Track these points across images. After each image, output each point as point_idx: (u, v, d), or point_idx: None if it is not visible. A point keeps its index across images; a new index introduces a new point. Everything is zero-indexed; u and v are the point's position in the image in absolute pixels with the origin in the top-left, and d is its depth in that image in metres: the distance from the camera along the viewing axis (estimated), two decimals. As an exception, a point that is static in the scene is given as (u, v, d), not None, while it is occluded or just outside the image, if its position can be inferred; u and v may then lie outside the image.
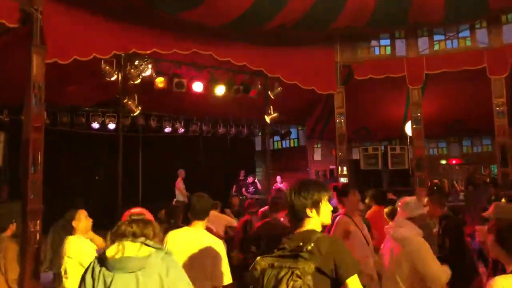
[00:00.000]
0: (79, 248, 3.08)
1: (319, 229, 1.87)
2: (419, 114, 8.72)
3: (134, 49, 6.73)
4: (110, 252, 1.83)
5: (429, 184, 8.97)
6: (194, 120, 11.27)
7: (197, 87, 8.13)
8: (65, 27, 5.88)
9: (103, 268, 1.80)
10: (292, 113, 11.34)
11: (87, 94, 8.96)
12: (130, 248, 1.82)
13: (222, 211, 6.52)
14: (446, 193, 8.08)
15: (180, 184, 10.24)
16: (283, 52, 8.31)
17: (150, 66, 7.40)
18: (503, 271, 2.15)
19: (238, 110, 10.63)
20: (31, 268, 4.80)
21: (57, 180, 8.94)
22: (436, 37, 9.07)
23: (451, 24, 8.66)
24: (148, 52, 6.93)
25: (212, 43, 7.44)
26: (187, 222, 2.78)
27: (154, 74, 7.54)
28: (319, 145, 13.30)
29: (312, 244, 1.73)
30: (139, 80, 7.28)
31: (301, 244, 1.75)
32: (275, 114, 8.67)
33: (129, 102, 7.52)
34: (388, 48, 9.17)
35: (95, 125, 9.70)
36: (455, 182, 11.28)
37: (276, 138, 14.19)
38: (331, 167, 11.80)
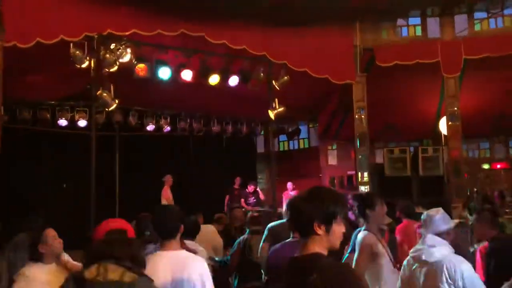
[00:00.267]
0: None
1: (325, 251, 1.87)
2: (456, 109, 8.73)
3: (109, 30, 6.77)
4: (90, 273, 1.86)
5: (469, 194, 8.98)
6: (183, 116, 11.28)
7: (186, 76, 8.17)
8: (26, 4, 5.89)
9: None
10: (302, 107, 11.29)
11: (52, 85, 8.97)
12: (113, 272, 1.86)
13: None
14: (498, 207, 7.92)
15: (167, 192, 10.28)
16: (290, 33, 8.32)
17: (129, 50, 7.41)
18: None
19: (235, 104, 10.63)
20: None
21: (14, 188, 8.96)
22: (477, 15, 9.06)
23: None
24: (126, 33, 6.97)
25: (204, 23, 7.45)
26: (161, 244, 2.82)
27: (134, 60, 7.56)
28: (334, 146, 13.29)
29: (315, 276, 1.71)
30: (115, 68, 7.31)
31: (302, 275, 1.75)
32: (281, 109, 8.67)
33: (104, 95, 7.51)
34: (419, 28, 9.18)
35: (63, 122, 9.71)
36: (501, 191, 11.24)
37: (282, 137, 14.16)
38: (349, 173, 11.69)
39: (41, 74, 8.36)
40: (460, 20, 8.99)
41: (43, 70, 8.13)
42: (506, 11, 9.04)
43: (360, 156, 8.87)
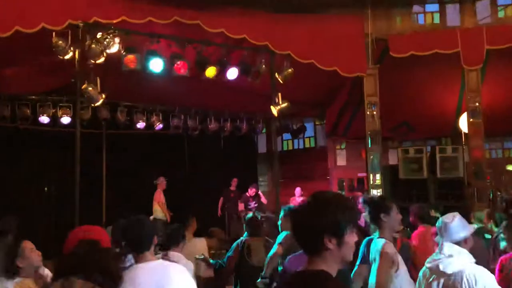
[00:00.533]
0: None
1: (334, 269, 1.83)
2: (477, 104, 8.71)
3: (95, 18, 6.75)
4: None
5: (492, 198, 8.95)
6: (176, 112, 11.31)
7: (180, 68, 8.13)
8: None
9: None
10: (308, 102, 11.29)
11: (33, 78, 8.98)
12: None
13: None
14: None
15: (159, 196, 10.31)
16: (295, 21, 8.31)
17: (117, 40, 7.39)
18: None
19: (234, 100, 10.62)
20: None
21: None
22: (500, 1, 9.02)
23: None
24: (114, 21, 6.96)
25: (200, 9, 7.43)
26: (134, 257, 2.88)
27: (122, 51, 7.56)
28: (343, 146, 13.28)
29: None
30: (102, 59, 7.30)
31: None
32: (285, 104, 8.65)
33: (89, 89, 7.50)
34: (437, 16, 9.16)
35: (44, 119, 9.73)
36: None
37: (286, 136, 14.16)
38: (360, 175, 11.74)
39: (20, 67, 8.36)
40: (482, 7, 8.98)
41: (23, 62, 8.13)
42: (533, -4, 9.05)
43: (371, 157, 8.87)
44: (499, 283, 3.15)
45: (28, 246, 3.17)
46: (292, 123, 13.11)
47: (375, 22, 8.91)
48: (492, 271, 3.76)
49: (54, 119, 9.76)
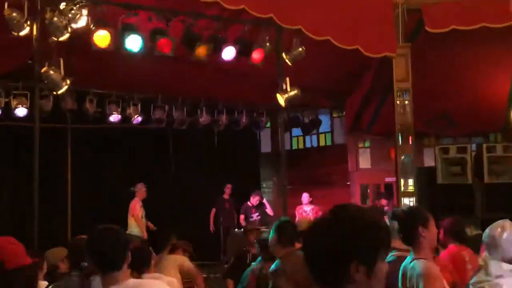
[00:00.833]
0: None
1: None
2: (535, 92, 8.74)
3: (58, -16, 6.72)
4: None
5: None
6: (159, 102, 11.31)
7: (164, 47, 8.13)
8: None
9: None
10: (323, 90, 11.34)
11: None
12: None
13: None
14: None
15: (135, 208, 10.36)
16: (307, -12, 8.32)
17: (84, 12, 7.40)
18: None
19: (231, 86, 10.65)
20: None
21: None
22: None
23: None
24: (81, -12, 6.95)
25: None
26: (102, 279, 2.91)
27: (91, 26, 7.56)
28: (367, 144, 13.30)
29: None
30: (66, 36, 7.29)
31: None
32: (294, 92, 8.65)
33: (51, 72, 7.53)
34: (484, -20, 9.13)
35: (-6, 111, 9.76)
36: None
37: (296, 132, 14.19)
38: (388, 179, 11.77)
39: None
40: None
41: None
42: None
43: (402, 157, 8.86)
44: None
45: None
46: (304, 115, 13.12)
47: (406, -10, 8.96)
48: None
49: (7, 110, 9.75)
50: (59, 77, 7.58)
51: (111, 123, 10.85)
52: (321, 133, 14.29)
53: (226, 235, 11.57)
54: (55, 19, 7.14)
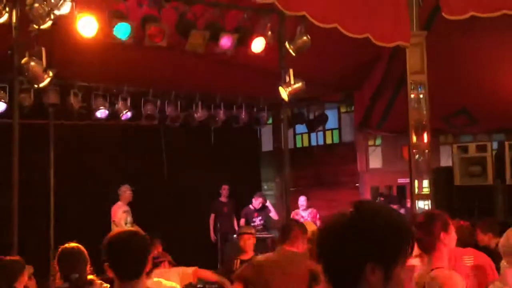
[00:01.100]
0: None
1: None
2: None
3: (37, -34, 6.66)
4: None
5: None
6: (151, 96, 11.30)
7: (156, 36, 8.09)
8: None
9: None
10: (329, 83, 11.36)
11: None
12: None
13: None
14: None
15: (117, 212, 10.44)
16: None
17: (68, -2, 7.45)
18: None
19: (229, 78, 10.66)
20: None
21: None
22: None
23: None
24: (63, -29, 6.89)
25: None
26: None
27: (76, 13, 7.49)
28: (378, 142, 13.42)
29: None
30: (49, 24, 7.23)
31: None
32: (298, 85, 8.62)
33: (32, 64, 7.48)
34: (506, -37, 9.14)
35: (-29, 106, 9.77)
36: None
37: (300, 128, 14.27)
38: (401, 181, 11.88)
39: None
40: None
41: None
42: None
43: (417, 156, 8.84)
44: None
45: None
46: (309, 110, 13.18)
47: (421, -26, 9.01)
48: None
49: (-16, 105, 9.83)
50: (41, 69, 7.55)
51: (98, 119, 10.83)
52: (328, 130, 14.44)
53: (224, 241, 11.56)
54: (36, 5, 7.07)
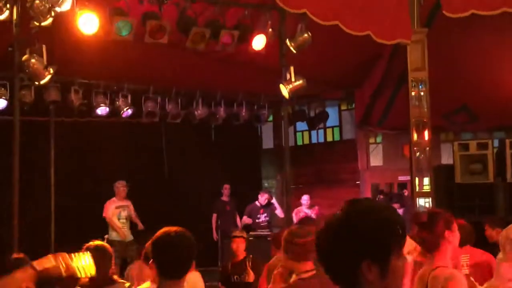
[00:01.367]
0: None
1: None
2: None
3: (39, -38, 6.66)
4: None
5: None
6: (151, 93, 11.31)
7: (157, 33, 8.10)
8: None
9: None
10: (330, 80, 11.33)
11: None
12: None
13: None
14: None
15: (109, 208, 10.39)
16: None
17: (69, -6, 7.38)
18: None
19: (230, 75, 10.67)
20: None
21: None
22: None
23: None
24: (65, -33, 6.87)
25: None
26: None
27: (77, 10, 7.49)
28: (379, 139, 13.46)
29: None
30: (49, 21, 7.24)
31: None
32: (299, 82, 8.64)
33: (32, 61, 7.49)
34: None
35: (-29, 103, 9.70)
36: None
37: (301, 126, 14.29)
38: (401, 178, 11.92)
39: None
40: None
41: None
42: None
43: (417, 154, 8.88)
44: None
45: None
46: (309, 108, 13.17)
47: (423, -30, 8.96)
48: None
49: (-15, 102, 9.76)
50: (42, 66, 7.56)
51: (98, 116, 10.82)
52: (329, 127, 14.49)
53: (224, 240, 11.54)
54: (37, 2, 7.09)
